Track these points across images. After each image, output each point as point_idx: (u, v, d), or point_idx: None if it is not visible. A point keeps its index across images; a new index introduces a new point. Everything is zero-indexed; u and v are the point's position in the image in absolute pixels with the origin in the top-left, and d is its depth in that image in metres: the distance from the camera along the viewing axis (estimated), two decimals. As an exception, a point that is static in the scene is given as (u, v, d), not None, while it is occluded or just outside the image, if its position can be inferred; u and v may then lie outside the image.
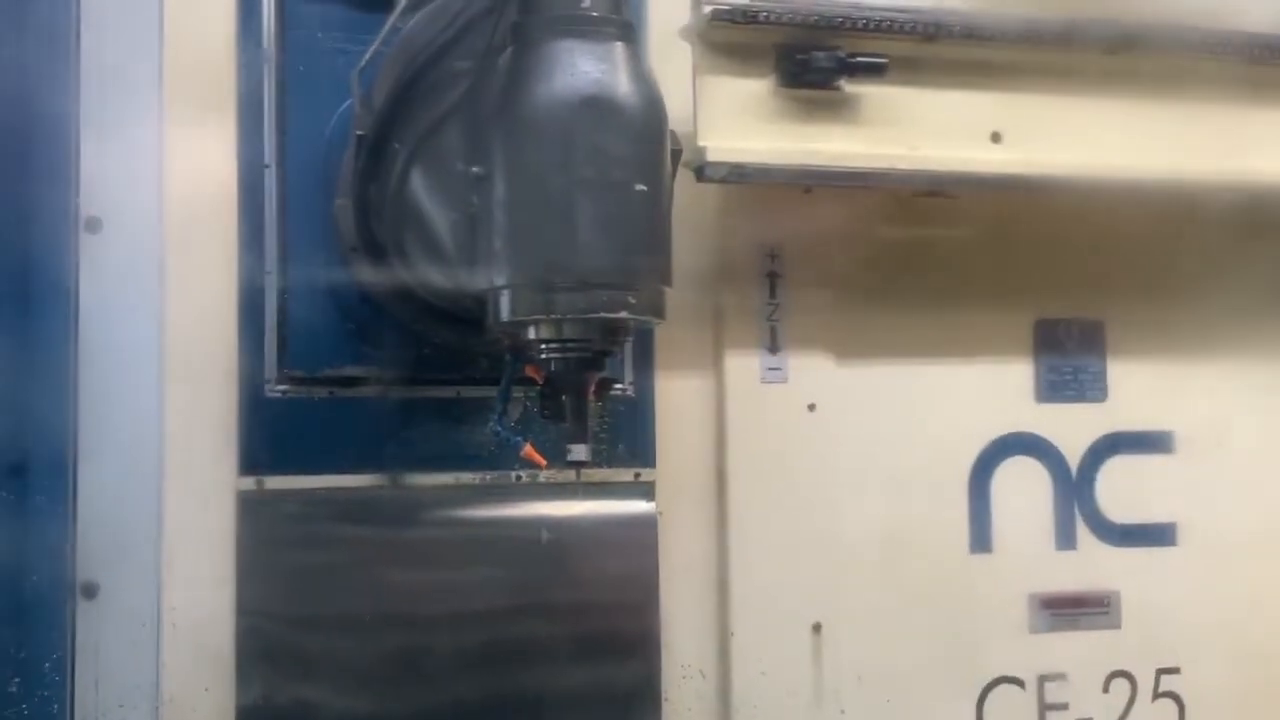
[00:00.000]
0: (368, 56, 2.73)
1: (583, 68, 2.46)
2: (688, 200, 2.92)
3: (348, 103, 2.85)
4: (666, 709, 3.13)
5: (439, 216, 2.66)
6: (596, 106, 2.45)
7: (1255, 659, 3.56)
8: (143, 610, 2.88)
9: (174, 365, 2.92)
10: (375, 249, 2.80)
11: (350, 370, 2.99)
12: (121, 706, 2.86)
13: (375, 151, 2.71)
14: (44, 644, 2.81)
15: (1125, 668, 3.49)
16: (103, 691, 2.86)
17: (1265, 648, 3.57)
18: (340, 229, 2.90)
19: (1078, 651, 3.46)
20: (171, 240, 2.93)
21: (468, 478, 3.05)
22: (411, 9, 2.76)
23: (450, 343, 2.95)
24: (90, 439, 2.87)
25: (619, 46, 2.51)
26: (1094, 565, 3.49)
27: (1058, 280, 3.49)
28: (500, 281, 2.51)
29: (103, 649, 2.86)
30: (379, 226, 2.77)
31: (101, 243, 2.90)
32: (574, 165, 2.43)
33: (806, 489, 3.27)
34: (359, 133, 2.72)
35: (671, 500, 3.18)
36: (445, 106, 2.65)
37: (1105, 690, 3.48)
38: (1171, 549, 3.53)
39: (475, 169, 2.54)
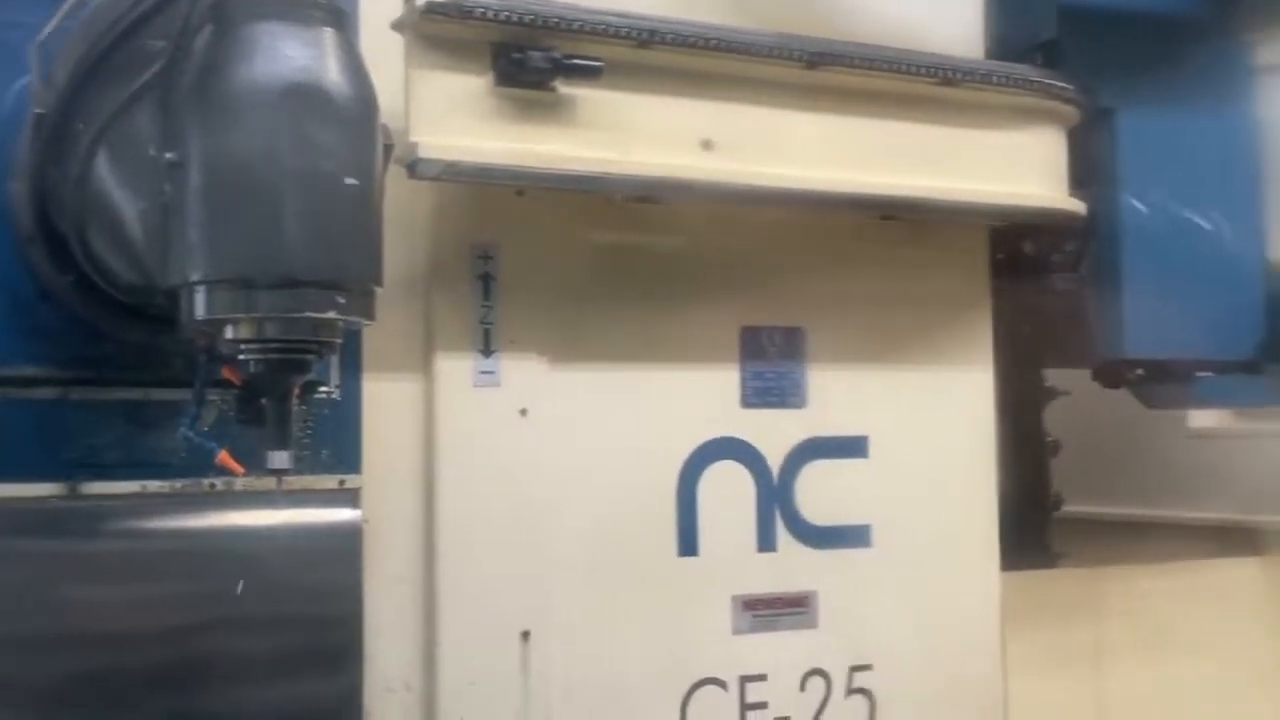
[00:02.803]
0: (49, 29, 2.55)
1: (287, 52, 2.36)
2: (398, 198, 2.84)
3: (25, 79, 2.65)
4: (369, 724, 3.04)
5: (127, 205, 2.51)
6: (303, 94, 2.35)
7: (943, 654, 3.72)
8: None
9: None
10: (54, 238, 2.63)
11: (26, 370, 2.78)
12: None
13: (56, 132, 2.55)
14: None
15: (821, 666, 3.60)
16: None
17: (952, 644, 3.74)
18: (15, 216, 2.70)
19: (778, 651, 3.54)
20: None
21: (156, 486, 2.88)
22: (100, -19, 2.59)
23: (138, 341, 2.78)
24: None
25: (328, 32, 2.43)
26: (793, 567, 3.58)
27: (762, 287, 3.57)
28: (195, 276, 2.38)
29: None
30: (59, 214, 2.60)
31: None
32: (279, 155, 2.33)
33: (518, 494, 3.23)
34: (38, 111, 2.55)
35: (378, 508, 3.09)
36: (136, 87, 2.49)
37: (802, 689, 3.57)
38: (866, 550, 3.65)
39: (169, 155, 2.41)
